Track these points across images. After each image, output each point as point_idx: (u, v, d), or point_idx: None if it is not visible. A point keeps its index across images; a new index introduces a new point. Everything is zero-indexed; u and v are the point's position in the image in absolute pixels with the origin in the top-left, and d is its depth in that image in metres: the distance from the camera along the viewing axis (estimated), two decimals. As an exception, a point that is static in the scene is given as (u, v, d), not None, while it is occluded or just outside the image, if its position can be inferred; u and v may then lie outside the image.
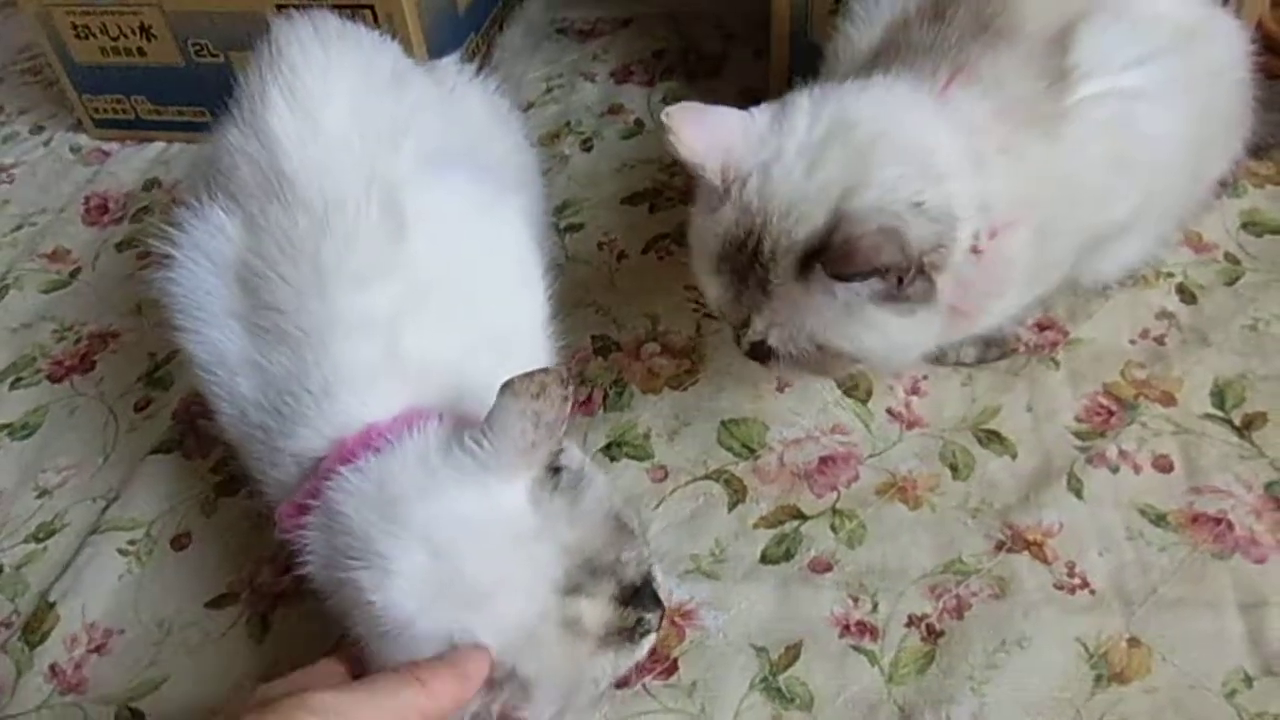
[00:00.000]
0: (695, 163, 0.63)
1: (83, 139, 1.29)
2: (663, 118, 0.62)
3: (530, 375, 0.52)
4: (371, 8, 1.06)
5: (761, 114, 0.65)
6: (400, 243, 0.63)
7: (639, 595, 0.57)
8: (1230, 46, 0.81)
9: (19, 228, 1.16)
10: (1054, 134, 0.66)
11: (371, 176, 0.64)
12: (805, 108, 0.65)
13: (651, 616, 0.58)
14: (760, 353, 0.67)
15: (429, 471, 0.55)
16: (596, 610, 0.55)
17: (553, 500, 0.55)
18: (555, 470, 0.56)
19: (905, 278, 0.61)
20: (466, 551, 0.52)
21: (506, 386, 0.52)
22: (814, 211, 0.61)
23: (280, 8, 1.08)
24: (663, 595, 0.60)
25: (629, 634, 0.57)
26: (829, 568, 0.73)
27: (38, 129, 1.33)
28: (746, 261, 0.63)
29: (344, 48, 0.72)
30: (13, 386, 0.96)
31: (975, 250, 0.65)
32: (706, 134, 0.63)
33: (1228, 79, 0.81)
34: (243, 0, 1.08)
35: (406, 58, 0.80)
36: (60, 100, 1.31)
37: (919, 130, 0.64)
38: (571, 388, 0.53)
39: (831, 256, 0.59)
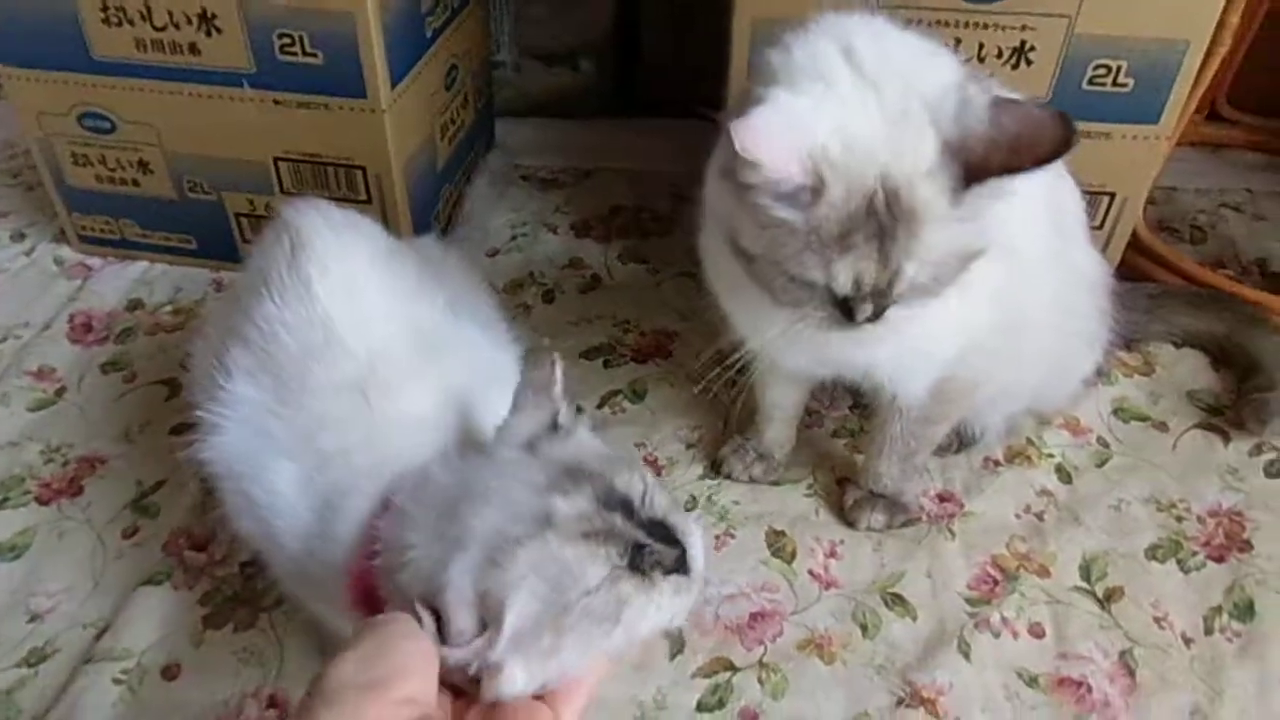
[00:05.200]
0: (782, 175, 0.60)
1: (66, 251, 1.36)
2: (738, 149, 0.58)
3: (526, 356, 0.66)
4: (364, 169, 1.17)
5: (791, 95, 0.62)
6: (438, 365, 0.74)
7: (647, 530, 0.57)
8: (1098, 270, 0.98)
9: (3, 339, 1.22)
10: None
11: (413, 326, 0.76)
12: (813, 57, 0.63)
13: (662, 548, 0.57)
14: (882, 312, 0.66)
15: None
16: (572, 506, 0.56)
17: (546, 441, 0.61)
18: (555, 427, 0.62)
19: None
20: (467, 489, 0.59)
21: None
22: (923, 132, 0.60)
23: (278, 160, 1.19)
24: (690, 549, 0.59)
25: (631, 559, 0.56)
26: (755, 718, 0.84)
27: (19, 236, 1.39)
28: (886, 220, 0.61)
29: (352, 233, 0.83)
30: (0, 506, 1.02)
31: None
32: (780, 143, 0.60)
33: (1092, 295, 0.98)
34: (243, 150, 1.18)
35: (393, 239, 0.91)
36: (42, 207, 1.38)
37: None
38: (558, 358, 0.63)
39: (1004, 156, 0.58)
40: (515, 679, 0.54)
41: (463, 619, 0.54)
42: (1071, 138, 0.58)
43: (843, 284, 0.64)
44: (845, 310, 0.66)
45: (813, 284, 0.65)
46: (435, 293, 0.84)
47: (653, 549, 0.56)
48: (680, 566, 0.58)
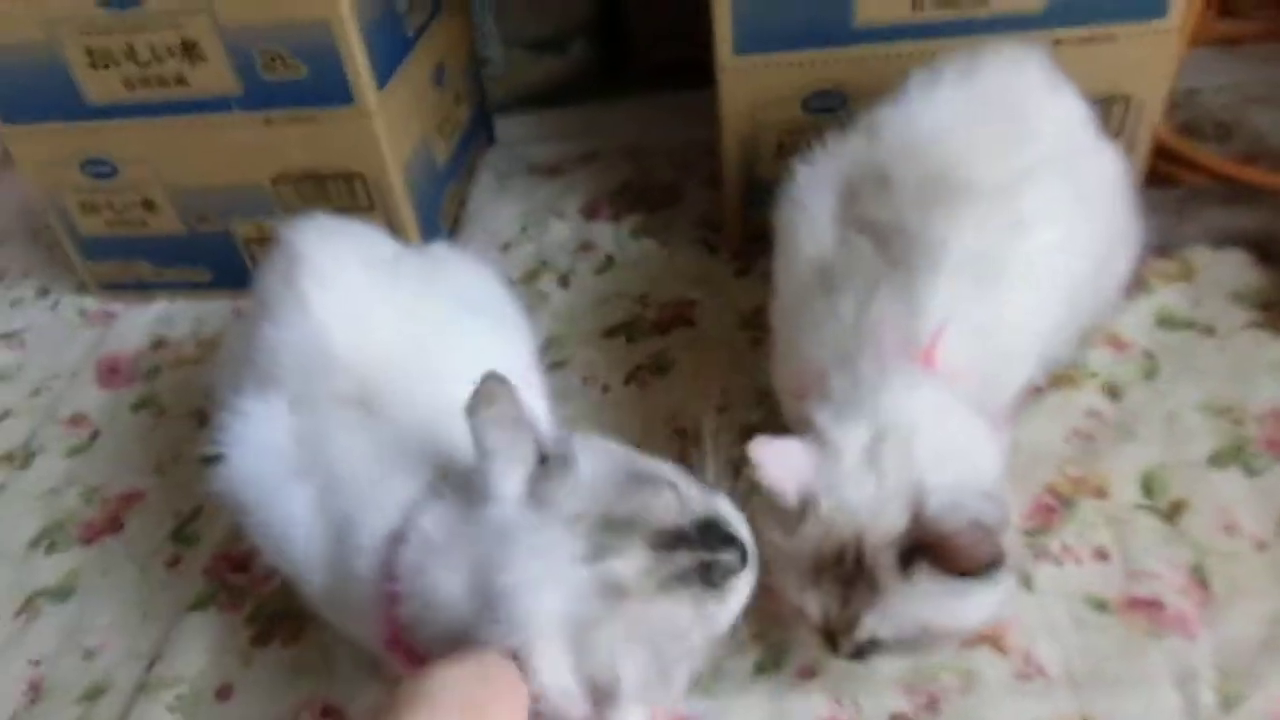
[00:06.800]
0: (778, 491, 0.68)
1: (88, 301, 1.38)
2: (749, 453, 0.67)
3: (474, 393, 0.57)
4: (362, 176, 1.16)
5: (809, 444, 0.71)
6: (443, 372, 0.70)
7: (702, 538, 0.57)
8: (1115, 167, 0.94)
9: (36, 393, 1.24)
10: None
11: (410, 331, 0.74)
12: (841, 435, 0.71)
13: (727, 556, 0.58)
14: (861, 652, 0.72)
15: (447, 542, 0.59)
16: (631, 564, 0.55)
17: (546, 484, 0.57)
18: (543, 459, 0.58)
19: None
20: (498, 571, 0.55)
21: (466, 414, 0.57)
22: (897, 514, 0.68)
23: (277, 181, 1.19)
24: (742, 536, 0.60)
25: (703, 578, 0.57)
26: (815, 674, 0.82)
27: (43, 292, 1.42)
28: (851, 570, 0.68)
29: (348, 241, 0.82)
30: (47, 552, 1.03)
31: None
32: (783, 466, 0.69)
33: (1116, 195, 0.93)
34: (242, 175, 1.18)
35: (397, 243, 0.90)
36: (63, 262, 1.40)
37: (938, 411, 0.73)
38: (510, 382, 0.57)
39: (938, 556, 0.65)
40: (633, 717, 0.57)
41: (576, 705, 0.54)
42: (977, 571, 0.65)
43: (811, 612, 0.71)
44: (830, 638, 0.72)
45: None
46: (441, 294, 0.82)
47: (720, 562, 0.57)
48: (744, 558, 0.59)
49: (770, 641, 0.84)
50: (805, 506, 0.69)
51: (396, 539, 0.62)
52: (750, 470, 0.67)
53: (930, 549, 0.66)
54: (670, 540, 0.56)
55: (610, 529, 0.55)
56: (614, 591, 0.54)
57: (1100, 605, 0.83)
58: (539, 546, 0.55)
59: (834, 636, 0.71)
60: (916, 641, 0.70)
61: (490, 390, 0.57)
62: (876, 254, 0.80)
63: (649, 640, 0.55)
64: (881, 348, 0.76)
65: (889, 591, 0.68)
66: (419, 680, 0.50)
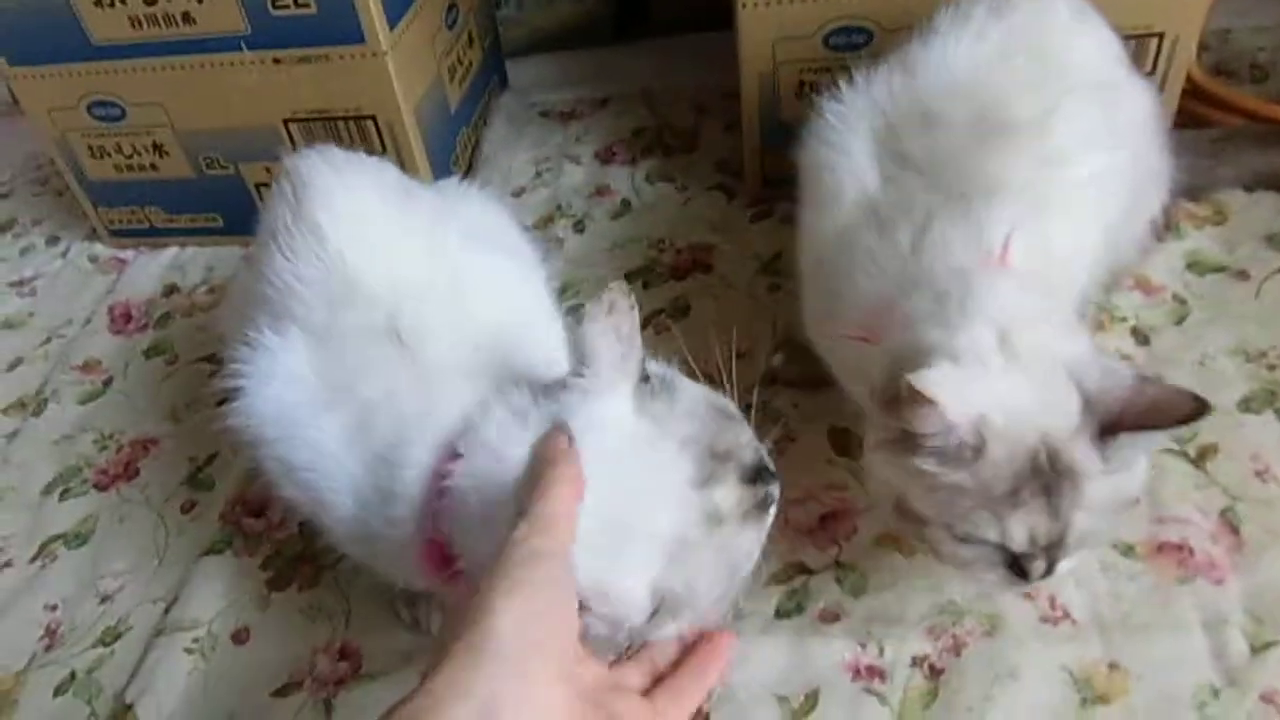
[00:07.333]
0: (949, 427, 0.63)
1: (99, 248, 1.37)
2: (913, 394, 0.61)
3: (599, 298, 0.56)
4: (374, 117, 1.14)
5: (950, 365, 0.66)
6: (467, 298, 0.72)
7: (760, 472, 0.60)
8: (1147, 102, 0.91)
9: (48, 340, 1.23)
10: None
11: (429, 259, 0.73)
12: (970, 345, 0.67)
13: (773, 488, 0.61)
14: (1053, 565, 0.67)
15: (525, 424, 0.58)
16: (729, 495, 0.58)
17: (655, 403, 0.59)
18: (645, 379, 0.59)
19: None
20: (602, 480, 0.55)
21: (581, 317, 0.57)
22: (1066, 399, 0.64)
23: (288, 122, 1.16)
24: (774, 467, 0.63)
25: (759, 506, 0.60)
26: (837, 617, 0.81)
27: (53, 240, 1.41)
28: (1051, 477, 0.64)
29: (357, 171, 0.80)
30: (62, 497, 1.03)
31: None
32: (954, 395, 0.62)
33: (1149, 131, 0.90)
34: (252, 116, 1.16)
35: (406, 177, 0.88)
36: (72, 209, 1.39)
37: (1033, 300, 0.71)
38: (634, 297, 0.57)
39: (1144, 418, 0.63)
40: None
41: (637, 615, 0.55)
42: (1206, 410, 0.62)
43: (1018, 540, 0.66)
44: (1017, 570, 0.68)
45: (983, 543, 0.67)
46: (454, 224, 0.81)
47: (769, 493, 0.60)
48: (779, 489, 0.62)
49: (791, 586, 0.83)
50: (979, 430, 0.64)
51: (450, 448, 0.61)
52: (901, 420, 0.63)
53: (1123, 417, 0.63)
54: (752, 474, 0.59)
55: (714, 458, 0.58)
56: (713, 520, 0.57)
57: (1127, 549, 0.81)
58: (657, 464, 0.57)
59: (1027, 561, 0.67)
60: (1101, 530, 0.67)
61: (614, 299, 0.57)
62: (928, 189, 0.77)
63: (726, 566, 0.58)
64: (956, 263, 0.73)
65: (1092, 478, 0.64)
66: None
